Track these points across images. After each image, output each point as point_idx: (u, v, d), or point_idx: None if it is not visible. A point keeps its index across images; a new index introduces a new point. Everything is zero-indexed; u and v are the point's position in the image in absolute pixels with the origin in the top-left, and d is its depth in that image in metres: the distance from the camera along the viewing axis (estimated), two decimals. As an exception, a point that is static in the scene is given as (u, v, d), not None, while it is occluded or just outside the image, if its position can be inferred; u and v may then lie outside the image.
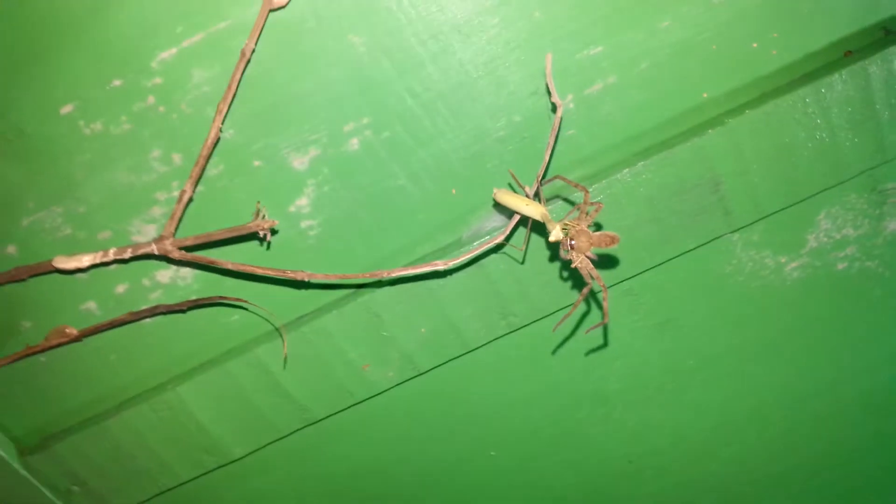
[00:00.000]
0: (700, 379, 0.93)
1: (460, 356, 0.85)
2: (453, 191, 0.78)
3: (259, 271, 0.69)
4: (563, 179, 0.63)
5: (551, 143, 0.65)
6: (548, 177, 0.65)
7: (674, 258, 0.83)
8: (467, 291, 0.80)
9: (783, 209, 0.81)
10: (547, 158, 0.65)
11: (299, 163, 0.75)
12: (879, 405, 0.97)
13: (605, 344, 0.89)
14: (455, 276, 0.79)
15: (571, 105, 0.75)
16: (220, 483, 0.92)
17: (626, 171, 0.77)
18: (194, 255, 0.68)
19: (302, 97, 0.72)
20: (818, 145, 0.77)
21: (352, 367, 0.83)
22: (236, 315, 0.82)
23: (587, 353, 0.89)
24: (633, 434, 0.95)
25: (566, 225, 0.60)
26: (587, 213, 0.61)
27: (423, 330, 0.82)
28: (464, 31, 0.72)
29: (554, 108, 0.67)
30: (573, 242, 0.59)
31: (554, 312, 0.84)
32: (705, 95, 0.77)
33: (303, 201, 0.77)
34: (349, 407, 0.86)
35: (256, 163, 0.74)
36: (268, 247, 0.75)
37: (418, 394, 0.88)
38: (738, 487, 1.01)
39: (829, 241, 0.85)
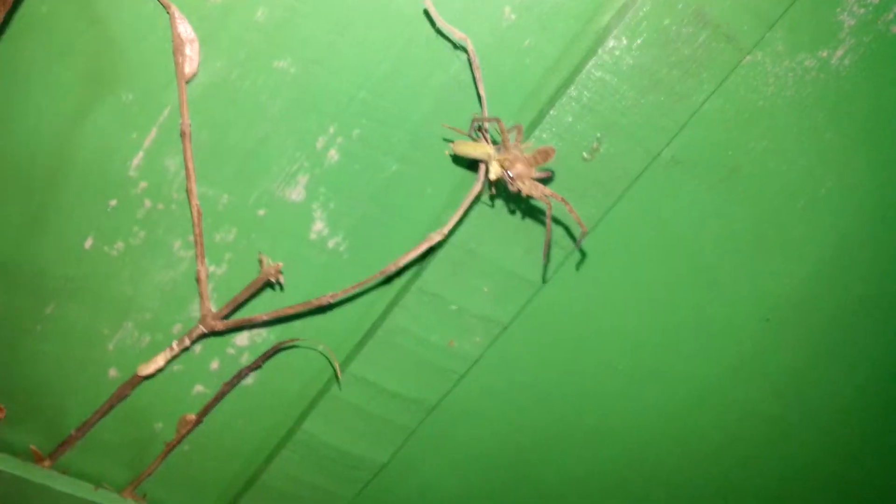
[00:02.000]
0: (796, 212, 0.85)
1: (534, 295, 0.84)
2: (446, 152, 0.76)
3: (289, 311, 0.72)
4: (478, 119, 0.60)
5: (479, 76, 0.62)
6: (490, 115, 0.62)
7: (700, 108, 0.76)
8: (504, 237, 0.79)
9: (791, 6, 0.72)
10: (483, 95, 0.62)
11: (296, 194, 0.77)
12: None
13: (675, 223, 0.84)
14: (489, 227, 0.78)
15: (513, 17, 0.71)
16: (388, 487, 0.98)
17: (599, 51, 0.71)
18: (234, 320, 0.73)
19: (266, 137, 0.74)
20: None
21: (439, 348, 0.85)
22: (318, 347, 0.86)
23: (661, 240, 0.84)
24: (759, 290, 0.89)
25: (498, 160, 0.57)
26: (511, 141, 0.57)
27: (485, 289, 0.82)
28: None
29: (464, 48, 0.64)
30: (511, 173, 0.57)
31: (597, 223, 0.81)
32: (645, -64, 0.69)
33: (318, 226, 0.79)
34: (457, 382, 0.88)
35: (261, 212, 0.77)
36: (281, 289, 0.79)
37: (518, 345, 0.89)
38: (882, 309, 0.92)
39: (866, 10, 0.74)
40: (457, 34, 0.63)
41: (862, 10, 0.74)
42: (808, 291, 0.91)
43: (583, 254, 0.83)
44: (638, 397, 0.95)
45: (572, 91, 0.72)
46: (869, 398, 0.98)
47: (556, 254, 0.81)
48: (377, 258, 0.82)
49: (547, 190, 0.60)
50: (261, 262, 0.71)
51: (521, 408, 0.94)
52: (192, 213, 0.70)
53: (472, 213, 0.76)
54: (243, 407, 0.89)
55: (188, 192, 0.69)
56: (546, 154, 0.57)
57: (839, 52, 0.76)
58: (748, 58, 0.75)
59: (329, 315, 0.84)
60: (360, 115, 0.74)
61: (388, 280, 0.81)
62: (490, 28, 0.71)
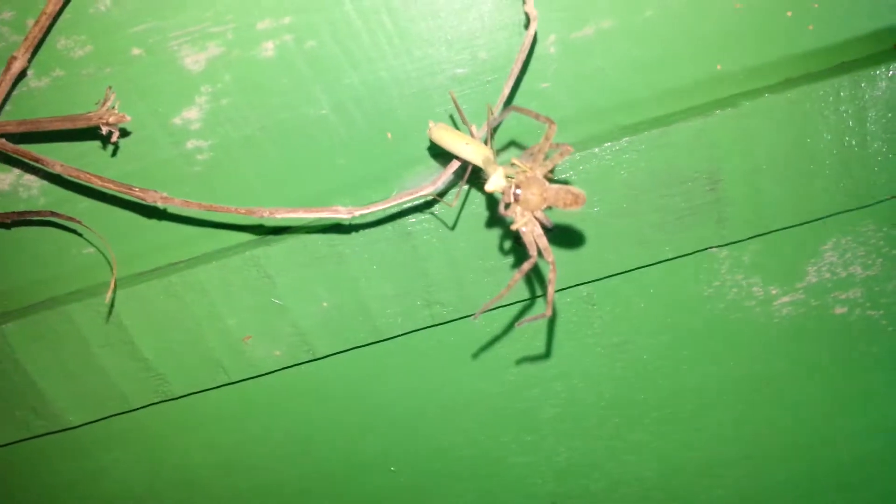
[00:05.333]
0: (650, 418, 0.77)
1: (368, 345, 0.69)
2: (389, 134, 0.61)
3: (97, 181, 0.51)
4: (519, 110, 0.47)
5: (516, 70, 0.49)
6: (503, 112, 0.48)
7: (646, 266, 0.68)
8: (387, 265, 0.64)
9: (788, 228, 0.66)
10: (507, 91, 0.49)
11: (193, 61, 0.58)
12: (853, 483, 0.82)
13: (548, 358, 0.73)
14: (374, 243, 0.63)
15: (552, 49, 0.59)
16: (54, 451, 0.75)
17: (606, 145, 0.61)
18: (17, 147, 0.51)
19: (207, -26, 0.55)
20: (844, 153, 0.62)
21: (229, 336, 0.66)
22: (91, 249, 0.64)
23: (524, 366, 0.73)
24: (563, 472, 0.79)
25: (514, 167, 0.43)
26: (546, 157, 0.44)
27: (324, 304, 0.65)
28: (430, -76, 0.55)
29: (527, 23, 0.51)
30: (518, 192, 0.43)
31: (493, 309, 0.69)
32: (719, 67, 0.61)
33: (192, 113, 0.59)
34: (220, 386, 0.69)
35: (136, 51, 0.57)
36: (114, 152, 0.58)
37: (310, 383, 0.72)
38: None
39: (831, 277, 0.70)
40: (530, 5, 0.49)
41: (828, 276, 0.70)
42: (604, 501, 0.83)
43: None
44: None
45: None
46: None
47: (419, 313, 0.67)
48: (231, 195, 0.63)
49: (544, 240, 0.46)
50: (106, 98, 0.50)
51: (267, 454, 0.76)
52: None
53: (385, 219, 0.61)
54: (-56, 259, 0.64)
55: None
56: (575, 198, 0.43)
57: (785, 299, 0.71)
58: (716, 249, 0.68)
59: (129, 220, 0.63)
60: (329, 29, 0.57)
61: (253, 227, 0.63)
62: (517, 46, 0.59)
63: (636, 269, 0.68)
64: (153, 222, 0.63)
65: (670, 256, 0.67)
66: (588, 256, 0.65)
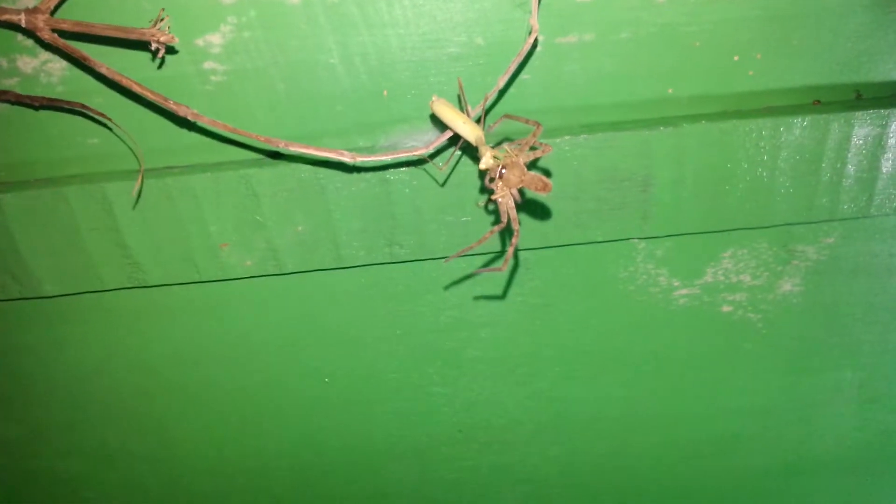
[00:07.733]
0: (554, 372, 0.90)
1: (330, 269, 0.78)
2: (385, 92, 0.70)
3: (137, 88, 0.58)
4: (512, 117, 0.57)
5: (512, 68, 0.59)
6: (498, 101, 0.58)
7: (578, 244, 0.79)
8: (361, 203, 0.73)
9: (698, 234, 0.79)
10: (501, 84, 0.58)
11: (226, -6, 0.64)
12: (706, 453, 0.97)
13: (480, 308, 0.84)
14: (354, 182, 0.71)
15: (538, 48, 0.69)
16: (23, 316, 0.81)
17: (566, 138, 0.71)
18: (68, 43, 0.57)
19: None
20: (755, 181, 0.74)
21: (209, 240, 0.74)
22: (96, 139, 0.70)
23: (459, 311, 0.84)
24: (472, 405, 0.91)
25: (503, 150, 0.54)
26: (531, 149, 0.54)
27: (299, 228, 0.74)
28: (458, -80, 0.63)
29: (529, 31, 0.60)
30: (503, 171, 0.53)
31: (442, 258, 0.79)
32: (670, 91, 0.72)
33: (215, 38, 0.66)
34: (190, 283, 0.77)
35: (177, -27, 0.63)
36: (160, 65, 0.64)
37: (269, 294, 0.80)
38: (548, 489, 0.99)
39: (724, 280, 0.84)
40: (534, 19, 0.58)
41: (722, 278, 0.84)
42: (500, 435, 0.95)
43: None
44: (321, 418, 0.91)
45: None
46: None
47: (381, 250, 0.76)
48: (230, 117, 0.70)
49: (514, 212, 0.56)
50: (159, 18, 0.57)
51: (217, 351, 0.84)
52: None
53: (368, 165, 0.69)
54: (-45, 124, 0.69)
55: None
56: (544, 185, 0.53)
57: (683, 291, 0.85)
58: (636, 240, 0.80)
59: (134, 120, 0.70)
60: (352, -9, 0.65)
61: (248, 147, 0.70)
62: (515, 39, 0.68)
63: (569, 245, 0.79)
64: (160, 125, 0.70)
65: (599, 240, 0.78)
66: (533, 228, 0.76)
